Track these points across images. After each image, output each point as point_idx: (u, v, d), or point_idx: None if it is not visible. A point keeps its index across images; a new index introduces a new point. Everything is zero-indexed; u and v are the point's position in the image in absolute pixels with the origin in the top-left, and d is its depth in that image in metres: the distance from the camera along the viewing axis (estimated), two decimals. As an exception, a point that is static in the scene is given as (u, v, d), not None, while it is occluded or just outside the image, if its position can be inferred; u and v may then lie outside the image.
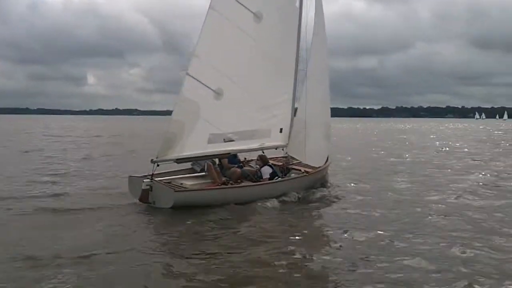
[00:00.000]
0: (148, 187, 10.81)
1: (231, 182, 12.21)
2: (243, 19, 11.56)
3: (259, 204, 11.09)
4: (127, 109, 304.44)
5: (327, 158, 14.40)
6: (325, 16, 13.42)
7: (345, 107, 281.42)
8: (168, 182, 11.18)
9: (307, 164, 13.88)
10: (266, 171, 12.88)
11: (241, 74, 11.84)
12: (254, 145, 12.91)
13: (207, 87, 11.30)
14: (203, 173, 12.57)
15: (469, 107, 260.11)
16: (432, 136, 50.42)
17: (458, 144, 35.60)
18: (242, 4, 11.43)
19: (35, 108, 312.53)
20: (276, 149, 13.89)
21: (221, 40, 11.39)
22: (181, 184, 11.45)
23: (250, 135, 12.70)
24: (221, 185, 11.92)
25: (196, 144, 11.50)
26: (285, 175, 13.19)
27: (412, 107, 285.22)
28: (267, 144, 13.22)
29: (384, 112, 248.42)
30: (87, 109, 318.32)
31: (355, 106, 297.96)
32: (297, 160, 14.05)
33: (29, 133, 48.02)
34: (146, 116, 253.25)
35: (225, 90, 11.56)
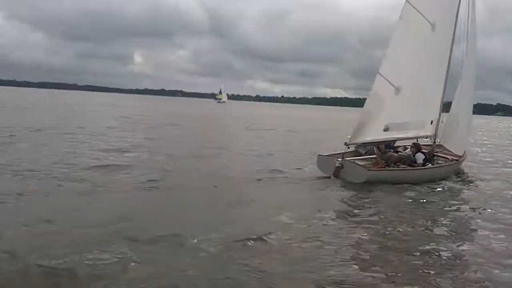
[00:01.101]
0: (340, 165, 13.18)
1: (392, 164, 14.45)
2: (423, 29, 13.72)
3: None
4: (172, 90, 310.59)
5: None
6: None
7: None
8: (353, 162, 13.51)
9: (447, 153, 15.94)
10: (420, 157, 14.95)
11: (414, 74, 14.00)
12: (411, 134, 15.07)
13: (391, 84, 13.56)
14: (367, 155, 14.87)
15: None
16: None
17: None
18: (423, 16, 13.56)
19: (83, 85, 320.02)
20: (426, 138, 15.91)
21: (404, 45, 13.59)
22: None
23: (410, 125, 14.82)
24: (385, 167, 14.18)
25: (375, 131, 13.81)
26: (430, 161, 15.29)
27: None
28: (421, 133, 15.35)
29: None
30: (133, 88, 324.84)
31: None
32: (440, 148, 16.11)
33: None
34: (190, 98, 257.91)
35: (403, 87, 13.77)
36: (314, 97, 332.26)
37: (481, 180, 15.12)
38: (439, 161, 15.39)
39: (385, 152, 15.14)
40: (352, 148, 14.88)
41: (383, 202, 11.13)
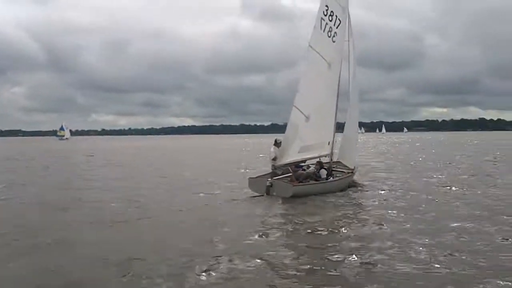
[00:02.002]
0: (270, 184, 15.54)
1: (303, 180, 17.17)
2: (322, 67, 16.81)
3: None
4: (11, 130, 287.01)
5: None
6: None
7: (237, 124, 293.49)
8: (280, 180, 15.96)
9: (342, 167, 19.19)
10: (323, 172, 17.89)
11: (317, 104, 16.95)
12: (316, 154, 17.96)
13: (302, 113, 16.35)
14: (283, 175, 17.39)
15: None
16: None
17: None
18: (322, 57, 16.66)
19: None
20: (325, 157, 18.95)
21: (310, 80, 16.54)
22: None
23: (315, 146, 17.72)
24: (298, 183, 16.84)
25: (292, 154, 16.45)
26: (331, 176, 18.35)
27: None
28: (322, 153, 18.34)
29: (276, 127, 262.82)
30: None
31: (247, 123, 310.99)
32: (335, 164, 19.29)
33: None
34: (31, 137, 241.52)
35: (311, 115, 16.65)
36: (162, 127, 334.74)
37: (368, 185, 18.78)
38: (338, 175, 18.51)
39: (295, 171, 17.80)
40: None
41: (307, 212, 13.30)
